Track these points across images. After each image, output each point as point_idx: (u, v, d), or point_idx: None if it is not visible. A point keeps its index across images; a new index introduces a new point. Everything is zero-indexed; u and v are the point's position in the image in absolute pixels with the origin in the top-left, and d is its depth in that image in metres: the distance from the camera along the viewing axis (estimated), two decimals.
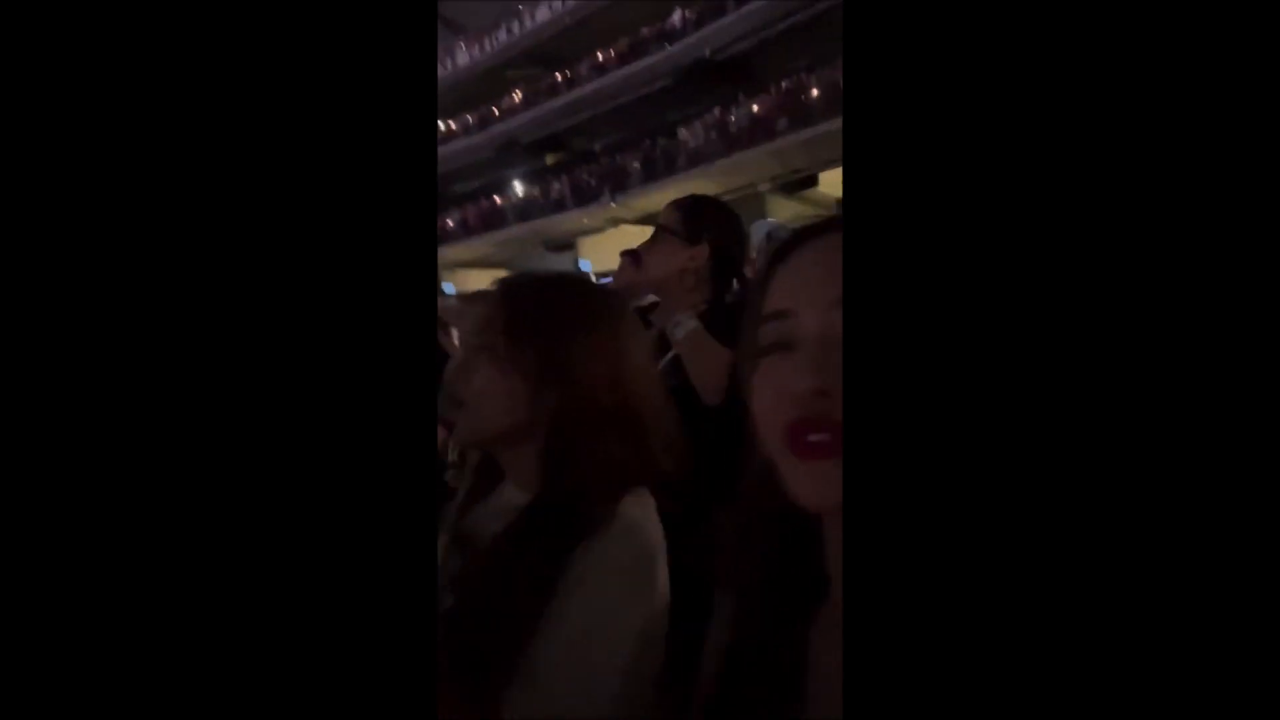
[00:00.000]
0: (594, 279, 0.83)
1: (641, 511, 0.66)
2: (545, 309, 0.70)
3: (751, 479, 0.50)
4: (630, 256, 2.38)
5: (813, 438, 0.41)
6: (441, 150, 15.63)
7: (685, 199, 1.33)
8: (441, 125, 16.01)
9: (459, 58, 15.84)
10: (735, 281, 1.27)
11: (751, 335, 0.46)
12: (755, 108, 11.29)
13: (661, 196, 12.74)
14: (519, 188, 15.14)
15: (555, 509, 0.65)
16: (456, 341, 2.85)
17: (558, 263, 13.63)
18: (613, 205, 12.41)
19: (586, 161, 14.26)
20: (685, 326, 1.14)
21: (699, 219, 1.26)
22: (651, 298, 1.29)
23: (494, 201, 15.26)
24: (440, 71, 15.21)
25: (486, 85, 15.41)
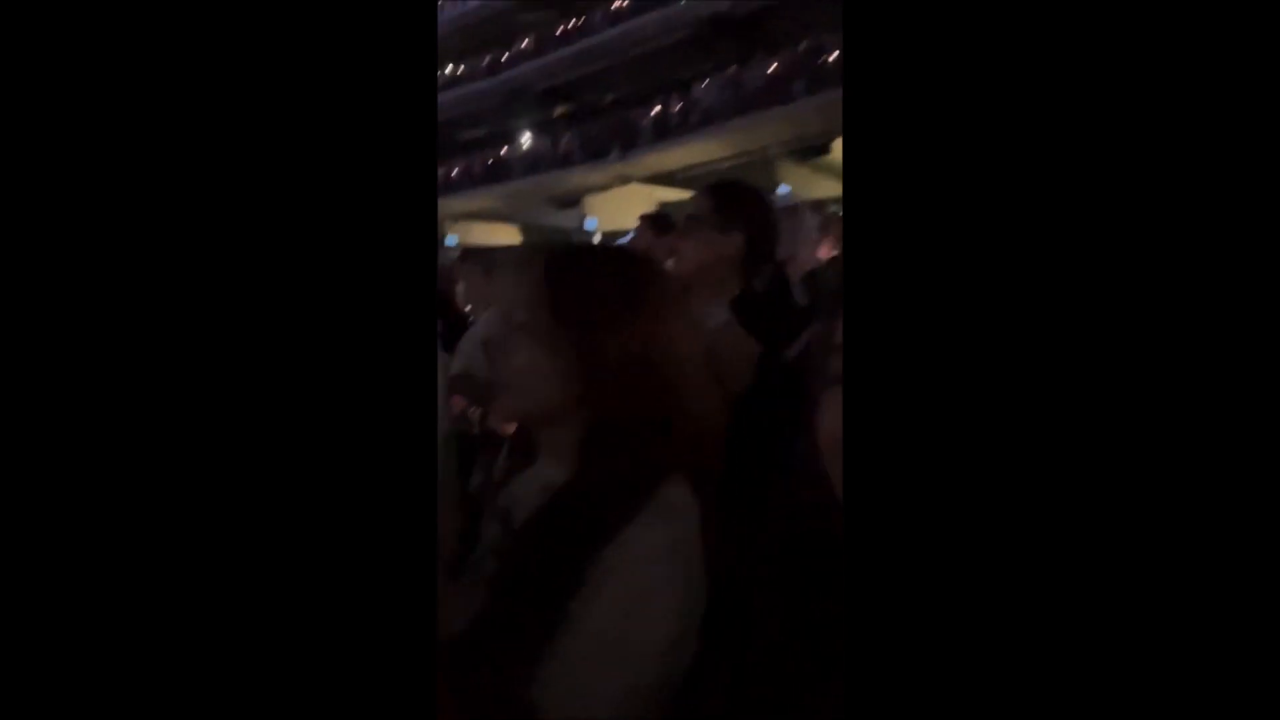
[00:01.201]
0: (627, 248, 0.81)
1: (679, 496, 0.66)
2: (594, 289, 0.68)
3: (799, 486, 0.50)
4: (649, 221, 2.34)
5: None
6: (448, 95, 15.26)
7: (718, 186, 1.32)
8: (449, 69, 15.60)
9: None
10: (766, 268, 1.26)
11: (824, 358, 0.46)
12: (771, 68, 11.00)
13: (672, 155, 12.51)
14: (526, 139, 14.85)
15: (593, 489, 0.65)
16: (462, 298, 2.82)
17: (564, 219, 13.46)
18: (619, 163, 12.20)
19: (596, 115, 13.95)
20: (716, 318, 1.13)
21: (732, 207, 1.23)
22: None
23: (500, 152, 14.98)
24: (449, 12, 14.73)
25: (496, 28, 14.97)
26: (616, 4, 13.21)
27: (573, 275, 0.70)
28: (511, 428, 0.85)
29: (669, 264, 1.29)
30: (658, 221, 2.42)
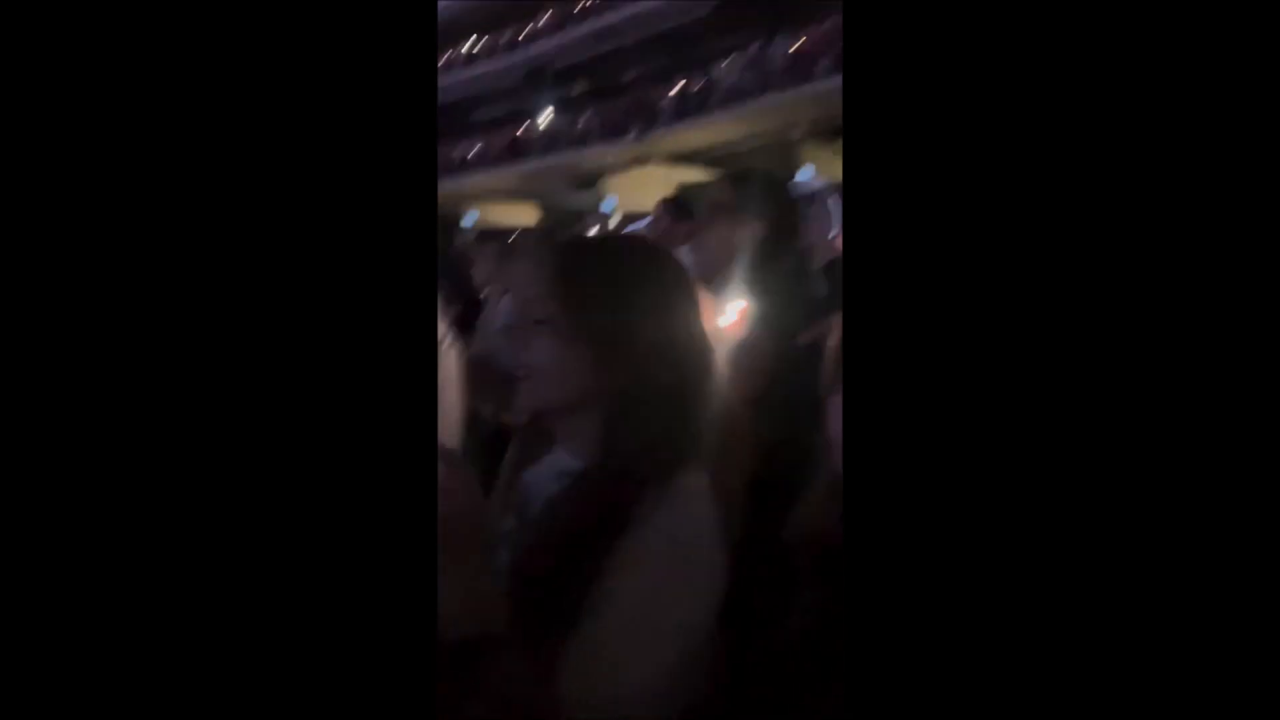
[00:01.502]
0: (649, 241, 0.80)
1: (698, 485, 0.67)
2: (608, 280, 0.69)
3: (811, 482, 0.52)
4: (667, 206, 2.31)
5: None
6: (465, 73, 15.18)
7: (737, 173, 1.29)
8: (466, 46, 15.51)
9: None
10: (786, 258, 1.23)
11: (832, 363, 0.48)
12: (795, 46, 10.79)
13: (692, 136, 12.37)
14: (545, 118, 14.75)
15: (612, 477, 0.66)
16: (478, 280, 2.82)
17: (583, 199, 13.40)
18: (638, 143, 12.09)
19: (616, 94, 13.81)
20: (735, 309, 1.12)
21: (752, 195, 1.21)
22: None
23: (518, 131, 14.91)
24: None
25: (515, 5, 14.81)
26: None
27: (587, 267, 0.70)
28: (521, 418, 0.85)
29: (686, 251, 1.28)
30: (676, 207, 2.39)
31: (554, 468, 0.71)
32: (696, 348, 0.69)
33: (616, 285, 0.68)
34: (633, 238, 0.93)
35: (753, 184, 1.25)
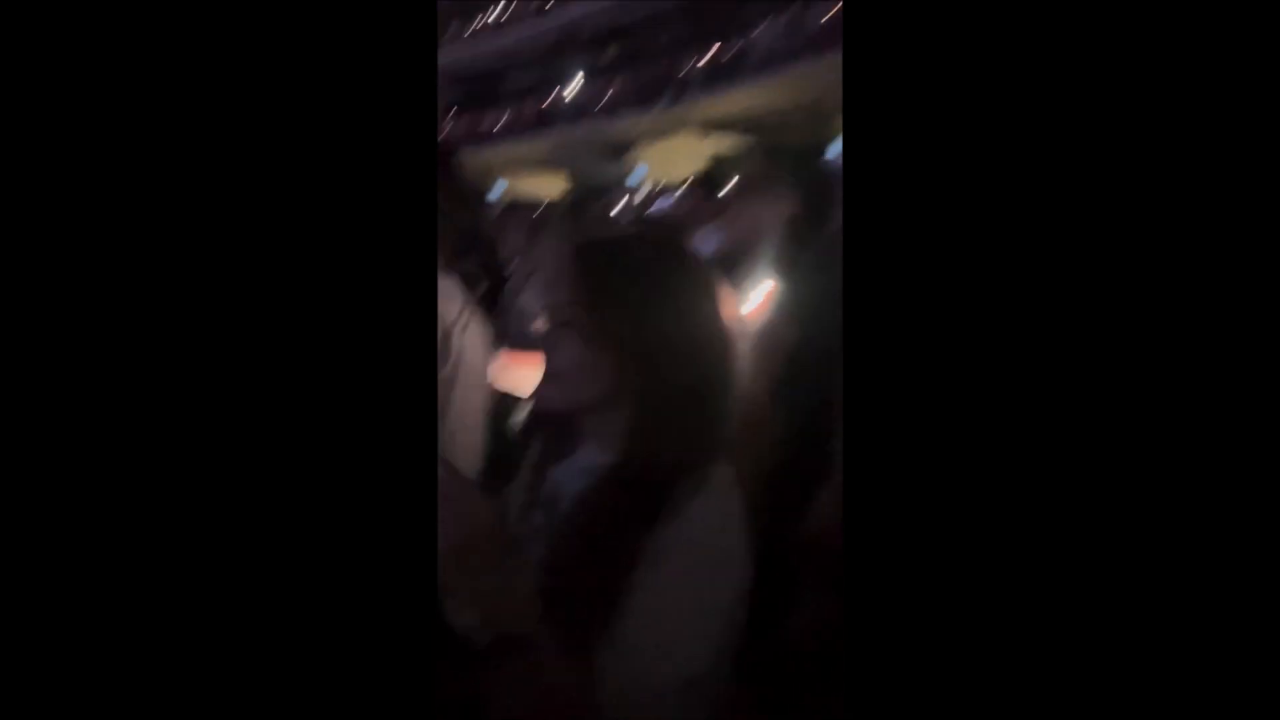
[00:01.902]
0: (680, 241, 0.78)
1: (725, 478, 0.68)
2: (632, 281, 0.69)
3: (831, 475, 0.51)
4: (698, 181, 2.27)
5: None
6: (494, 40, 15.05)
7: (771, 146, 1.25)
8: (495, 12, 15.35)
9: None
10: (820, 236, 1.19)
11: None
12: (834, 10, 10.42)
13: (726, 102, 12.13)
14: (575, 85, 14.57)
15: (642, 471, 0.67)
16: (505, 256, 2.82)
17: (615, 169, 13.27)
18: (670, 110, 11.88)
19: (648, 60, 13.54)
20: (761, 295, 1.09)
21: (787, 168, 1.17)
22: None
23: (549, 99, 14.76)
24: None
25: None
26: None
27: (609, 269, 0.71)
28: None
29: (714, 228, 1.24)
30: (707, 182, 2.34)
31: (579, 465, 0.72)
32: (719, 342, 0.70)
33: (638, 285, 0.69)
34: (654, 236, 0.94)
35: (784, 158, 1.21)
